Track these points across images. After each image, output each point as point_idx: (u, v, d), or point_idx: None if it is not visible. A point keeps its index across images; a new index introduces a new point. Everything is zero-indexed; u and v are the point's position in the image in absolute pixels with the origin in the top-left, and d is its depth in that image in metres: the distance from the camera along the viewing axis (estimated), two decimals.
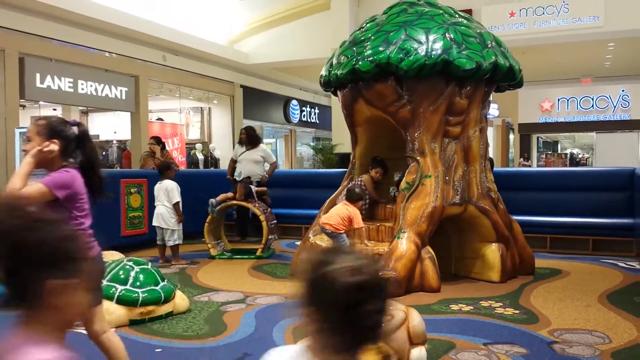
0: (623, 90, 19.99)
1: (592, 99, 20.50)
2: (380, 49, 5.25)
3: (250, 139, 8.12)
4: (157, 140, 9.53)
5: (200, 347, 3.59)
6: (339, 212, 5.32)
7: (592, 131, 21.43)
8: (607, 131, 20.41)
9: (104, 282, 4.09)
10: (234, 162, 8.12)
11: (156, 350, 3.55)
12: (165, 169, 6.77)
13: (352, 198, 5.44)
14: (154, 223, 6.58)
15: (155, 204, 6.62)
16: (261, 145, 8.24)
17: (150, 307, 4.12)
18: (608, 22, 11.74)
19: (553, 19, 12.30)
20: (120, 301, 4.03)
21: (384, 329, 1.19)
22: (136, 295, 4.08)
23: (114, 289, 4.06)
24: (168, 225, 6.48)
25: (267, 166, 8.12)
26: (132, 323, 4.04)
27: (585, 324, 4.00)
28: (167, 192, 6.51)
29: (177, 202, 6.51)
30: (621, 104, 20.07)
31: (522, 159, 20.82)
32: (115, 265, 4.25)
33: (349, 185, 5.86)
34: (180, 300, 4.39)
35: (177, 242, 6.54)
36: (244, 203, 7.13)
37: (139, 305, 4.07)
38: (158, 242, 6.62)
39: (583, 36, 12.41)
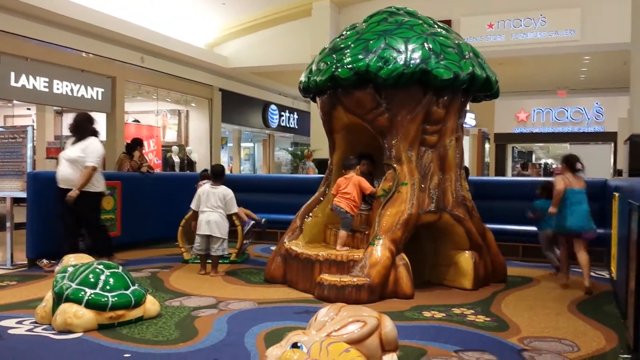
0: (597, 103, 20.38)
1: (567, 111, 20.87)
2: (360, 56, 5.27)
3: (77, 128, 6.29)
4: (140, 143, 9.11)
5: (170, 353, 3.54)
6: (342, 188, 5.48)
7: (565, 142, 21.80)
8: (581, 143, 20.79)
9: (73, 286, 4.02)
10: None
11: (125, 355, 3.49)
12: (222, 174, 6.31)
13: (346, 166, 5.62)
14: (204, 232, 5.96)
15: (201, 209, 6.04)
16: (90, 138, 6.21)
17: (120, 312, 4.05)
18: (584, 35, 11.98)
19: (530, 31, 12.52)
20: (89, 305, 3.95)
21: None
22: (106, 299, 4.01)
23: (82, 293, 3.99)
24: (222, 234, 6.01)
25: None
26: (101, 327, 3.97)
27: (555, 332, 4.05)
28: (226, 200, 6.08)
29: (236, 212, 6.22)
30: (595, 116, 20.46)
31: (519, 167, 20.90)
32: (85, 269, 4.17)
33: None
34: (151, 304, 4.32)
35: (224, 252, 6.14)
36: None
37: (108, 310, 3.99)
38: (200, 253, 6.07)
39: (559, 49, 12.65)
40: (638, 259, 3.32)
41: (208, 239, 6.03)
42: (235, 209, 6.20)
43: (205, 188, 6.19)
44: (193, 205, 6.20)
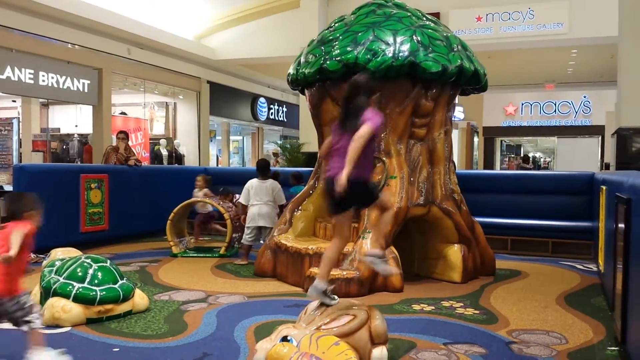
0: (585, 97, 20.50)
1: (555, 104, 20.98)
2: (348, 49, 5.25)
3: None
4: (127, 135, 9.13)
5: (160, 347, 3.52)
6: None
7: (553, 136, 21.93)
8: (568, 136, 20.92)
9: (61, 280, 3.98)
10: None
11: (113, 349, 3.47)
12: (268, 168, 6.51)
13: None
14: (257, 223, 6.25)
15: (251, 203, 6.30)
16: None
17: (109, 306, 4.03)
18: (572, 29, 12.01)
19: (518, 24, 12.53)
20: (78, 299, 3.93)
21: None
22: (94, 293, 3.98)
23: (71, 287, 3.96)
24: (273, 223, 6.21)
25: None
26: (90, 322, 3.94)
27: (543, 325, 4.08)
28: (275, 192, 6.33)
29: (285, 204, 6.34)
30: (582, 109, 20.58)
31: (521, 162, 20.97)
32: (72, 263, 4.13)
33: None
34: (140, 299, 4.29)
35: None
36: (208, 201, 7.07)
37: (96, 304, 3.97)
38: (250, 243, 6.36)
39: (547, 42, 12.67)
40: (625, 251, 3.35)
41: (259, 230, 6.30)
42: (283, 200, 6.41)
43: (253, 182, 6.37)
44: (242, 200, 6.41)
